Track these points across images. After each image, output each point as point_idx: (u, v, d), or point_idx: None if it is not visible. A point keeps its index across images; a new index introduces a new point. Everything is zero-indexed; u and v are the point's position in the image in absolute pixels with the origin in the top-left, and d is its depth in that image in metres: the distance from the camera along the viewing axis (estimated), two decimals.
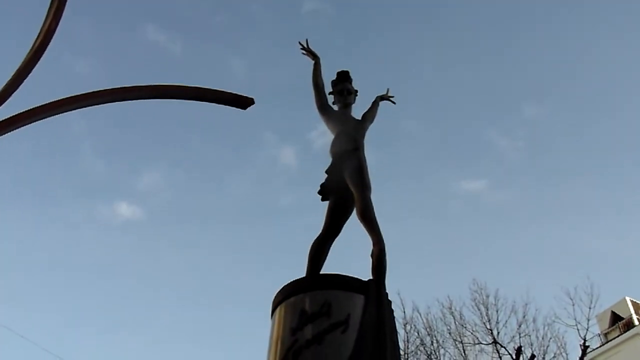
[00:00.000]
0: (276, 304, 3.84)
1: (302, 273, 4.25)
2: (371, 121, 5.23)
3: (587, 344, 16.29)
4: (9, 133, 3.76)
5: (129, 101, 4.28)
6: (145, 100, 4.70)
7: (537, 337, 16.40)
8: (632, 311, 25.85)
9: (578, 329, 16.28)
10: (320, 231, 4.57)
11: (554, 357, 16.18)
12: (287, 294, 3.79)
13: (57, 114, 3.95)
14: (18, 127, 3.81)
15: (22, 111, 3.81)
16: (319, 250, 4.39)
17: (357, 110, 5.32)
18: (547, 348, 16.23)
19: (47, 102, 3.91)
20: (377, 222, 4.30)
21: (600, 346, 24.69)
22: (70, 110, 3.94)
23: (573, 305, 17.91)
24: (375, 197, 4.54)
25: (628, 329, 24.96)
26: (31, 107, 3.84)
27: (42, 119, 3.76)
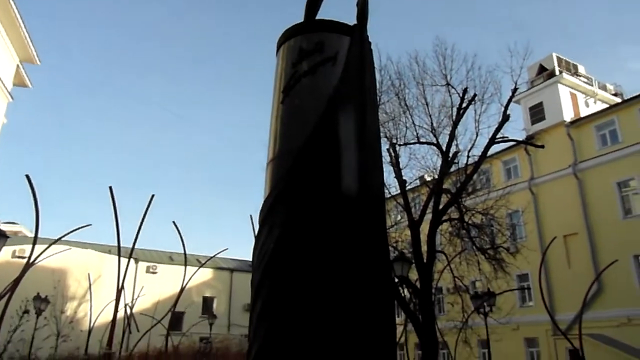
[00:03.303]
0: (280, 44, 4.17)
1: None
2: None
3: (517, 87, 19.55)
4: None
5: None
6: None
7: (479, 82, 20.06)
8: (556, 64, 30.61)
9: (512, 76, 19.62)
10: None
11: (491, 96, 19.89)
12: (288, 36, 4.09)
13: None
14: None
15: None
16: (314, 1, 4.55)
17: None
18: (486, 90, 19.84)
19: None
20: None
21: (526, 90, 30.01)
22: None
23: (511, 56, 25.64)
24: None
25: (549, 78, 30.04)
26: None
27: None
